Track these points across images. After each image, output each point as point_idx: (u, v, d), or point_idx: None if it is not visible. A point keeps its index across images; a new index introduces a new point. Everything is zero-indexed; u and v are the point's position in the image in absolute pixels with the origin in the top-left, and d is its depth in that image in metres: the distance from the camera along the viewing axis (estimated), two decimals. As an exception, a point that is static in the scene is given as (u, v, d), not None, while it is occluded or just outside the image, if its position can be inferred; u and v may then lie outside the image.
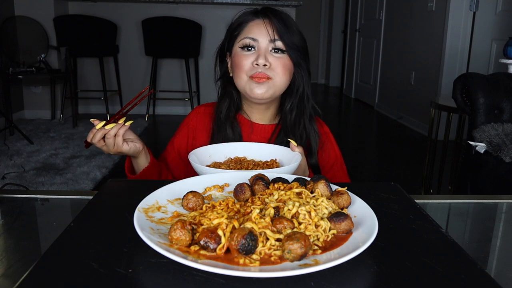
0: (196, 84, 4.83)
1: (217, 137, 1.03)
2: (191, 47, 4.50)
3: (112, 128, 0.90)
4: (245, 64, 0.97)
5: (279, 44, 0.96)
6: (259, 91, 0.98)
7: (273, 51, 0.97)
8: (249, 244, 0.51)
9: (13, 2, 4.27)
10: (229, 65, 1.04)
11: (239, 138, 1.04)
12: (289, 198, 0.63)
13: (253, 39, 0.96)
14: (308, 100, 1.04)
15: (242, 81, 0.99)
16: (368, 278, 0.52)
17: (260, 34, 0.96)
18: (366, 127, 5.11)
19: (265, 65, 0.95)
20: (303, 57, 1.00)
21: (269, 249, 0.53)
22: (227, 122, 1.03)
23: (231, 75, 1.03)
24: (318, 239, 0.57)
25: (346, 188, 0.70)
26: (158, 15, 4.48)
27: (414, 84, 4.57)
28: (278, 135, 1.04)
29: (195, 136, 1.07)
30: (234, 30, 1.00)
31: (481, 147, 1.82)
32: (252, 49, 0.97)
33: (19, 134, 3.50)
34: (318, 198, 0.64)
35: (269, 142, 1.04)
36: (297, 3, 4.61)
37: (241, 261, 0.51)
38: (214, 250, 0.53)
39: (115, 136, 0.90)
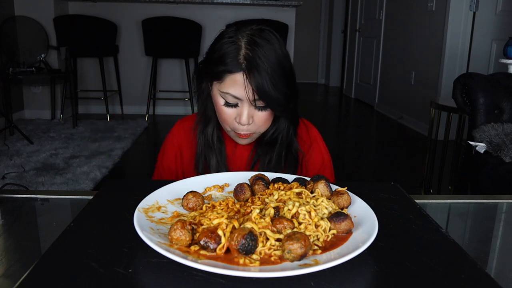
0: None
1: (202, 163, 0.99)
2: (191, 47, 4.50)
3: None
4: (227, 119, 0.91)
5: (260, 103, 0.88)
6: (242, 142, 0.96)
7: (257, 109, 0.90)
8: (249, 244, 0.51)
9: (13, 2, 4.27)
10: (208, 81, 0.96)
11: (225, 160, 1.00)
12: (289, 198, 0.63)
13: (236, 97, 0.87)
14: (287, 135, 0.99)
15: (224, 128, 0.95)
16: (368, 278, 0.52)
17: (243, 94, 0.86)
18: (366, 127, 5.11)
19: (249, 123, 0.90)
20: (289, 100, 0.91)
21: (269, 249, 0.53)
22: (214, 148, 0.99)
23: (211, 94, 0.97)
24: (318, 239, 0.57)
25: (346, 188, 0.70)
26: (158, 15, 4.48)
27: (414, 84, 4.57)
28: (256, 154, 1.01)
29: (181, 153, 1.04)
30: (216, 72, 0.88)
31: (481, 147, 1.82)
32: (235, 106, 0.90)
33: (19, 134, 3.50)
34: (318, 198, 0.65)
35: (250, 155, 1.02)
36: (297, 3, 4.60)
37: (241, 261, 0.51)
38: (214, 250, 0.53)
39: None
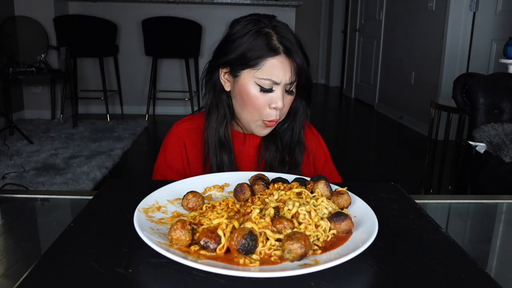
0: (196, 84, 4.82)
1: (216, 160, 0.98)
2: (191, 47, 4.50)
3: None
4: (261, 106, 0.91)
5: (293, 86, 0.92)
6: (266, 132, 0.97)
7: (286, 92, 0.93)
8: (249, 244, 0.51)
9: (13, 2, 4.27)
10: (221, 76, 0.97)
11: (233, 157, 1.00)
12: (289, 198, 0.63)
13: (274, 82, 0.89)
14: (302, 118, 1.01)
15: (251, 119, 0.94)
16: (368, 278, 0.52)
17: (283, 77, 0.89)
18: (366, 127, 5.11)
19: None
20: (308, 88, 0.97)
21: (269, 249, 0.53)
22: (225, 147, 0.99)
23: (227, 89, 0.97)
24: (318, 239, 0.57)
25: (346, 188, 0.70)
26: (158, 15, 4.48)
27: (414, 84, 4.57)
28: (265, 145, 1.02)
29: (187, 153, 1.03)
30: (247, 58, 0.90)
31: (481, 147, 1.82)
32: (270, 92, 0.91)
33: (19, 134, 3.50)
34: (318, 198, 0.65)
35: (258, 150, 1.02)
36: (297, 3, 4.60)
37: (241, 261, 0.51)
38: (214, 250, 0.53)
39: None
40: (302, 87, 0.95)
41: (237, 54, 0.91)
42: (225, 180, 0.79)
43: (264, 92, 0.90)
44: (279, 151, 1.01)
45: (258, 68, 0.89)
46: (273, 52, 0.88)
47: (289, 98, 0.94)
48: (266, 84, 0.90)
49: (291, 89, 0.92)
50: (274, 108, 0.91)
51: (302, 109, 1.01)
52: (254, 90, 0.91)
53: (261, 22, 0.92)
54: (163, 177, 1.03)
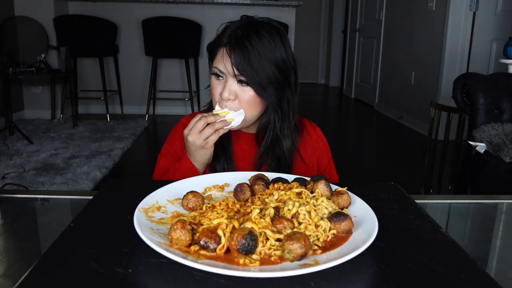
0: (196, 84, 4.83)
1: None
2: (191, 47, 4.50)
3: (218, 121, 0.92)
4: (215, 94, 0.97)
5: (242, 77, 0.92)
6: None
7: (239, 83, 0.93)
8: (249, 244, 0.51)
9: (13, 2, 4.27)
10: None
11: (227, 140, 1.02)
12: (289, 198, 0.63)
13: (220, 71, 0.93)
14: (281, 128, 0.99)
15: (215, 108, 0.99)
16: (368, 278, 0.52)
17: (227, 68, 0.92)
18: (366, 127, 5.11)
19: (230, 98, 0.93)
20: (274, 88, 0.94)
21: (269, 249, 0.53)
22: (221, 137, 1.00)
23: None
24: (318, 239, 0.57)
25: (346, 188, 0.70)
26: (158, 15, 4.48)
27: (414, 84, 4.57)
28: (260, 153, 1.02)
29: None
30: (212, 49, 0.97)
31: (481, 147, 1.82)
32: (221, 78, 0.95)
33: (19, 134, 3.50)
34: (318, 198, 0.65)
35: (255, 152, 1.03)
36: (297, 3, 4.60)
37: (241, 261, 0.51)
38: (214, 250, 0.53)
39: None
40: (254, 85, 0.92)
41: (211, 44, 0.98)
42: (225, 180, 0.79)
43: (216, 78, 0.96)
44: (272, 159, 1.01)
45: (214, 57, 0.96)
46: (222, 43, 0.94)
47: (246, 94, 0.93)
48: (216, 71, 0.95)
49: (240, 80, 0.92)
50: (221, 96, 0.94)
51: (272, 119, 0.98)
52: (212, 79, 0.97)
53: (244, 19, 0.97)
54: (163, 166, 1.06)
